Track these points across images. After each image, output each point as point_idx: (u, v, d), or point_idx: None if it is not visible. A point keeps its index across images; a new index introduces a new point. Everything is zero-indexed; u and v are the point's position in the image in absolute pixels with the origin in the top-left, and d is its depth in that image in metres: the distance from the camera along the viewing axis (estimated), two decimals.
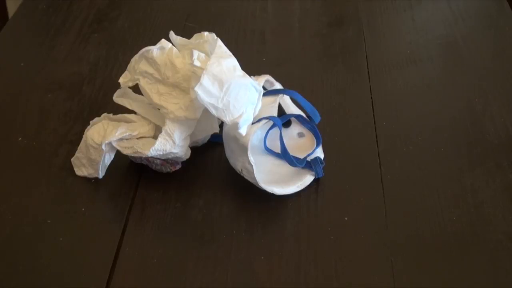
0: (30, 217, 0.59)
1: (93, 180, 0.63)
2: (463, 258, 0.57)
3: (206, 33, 0.60)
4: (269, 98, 0.66)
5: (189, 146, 0.62)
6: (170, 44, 0.61)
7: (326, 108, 0.71)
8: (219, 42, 0.59)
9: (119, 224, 0.59)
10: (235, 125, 0.56)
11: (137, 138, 0.61)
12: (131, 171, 0.64)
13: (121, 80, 0.62)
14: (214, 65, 0.55)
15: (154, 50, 0.59)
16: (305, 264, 0.56)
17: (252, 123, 0.59)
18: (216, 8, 0.91)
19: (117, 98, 0.63)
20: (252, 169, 0.57)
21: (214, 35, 0.60)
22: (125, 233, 0.58)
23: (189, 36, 0.62)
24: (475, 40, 0.84)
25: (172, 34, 0.61)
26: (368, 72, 0.78)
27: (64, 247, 0.57)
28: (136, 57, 0.60)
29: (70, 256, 0.56)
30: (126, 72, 0.62)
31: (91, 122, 0.62)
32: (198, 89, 0.54)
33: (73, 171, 0.63)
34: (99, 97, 0.74)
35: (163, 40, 0.61)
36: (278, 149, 0.63)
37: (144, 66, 0.60)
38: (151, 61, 0.59)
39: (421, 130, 0.70)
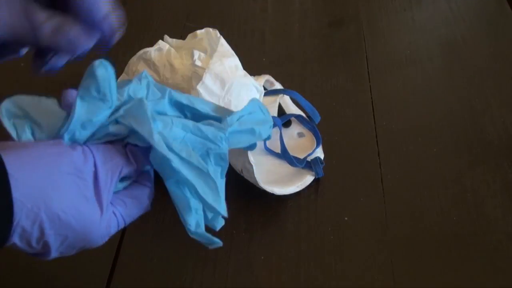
0: None
1: None
2: (463, 258, 0.57)
3: (210, 29, 0.60)
4: (269, 98, 0.66)
5: None
6: (168, 45, 0.61)
7: (326, 108, 0.71)
8: (222, 41, 0.58)
9: None
10: None
11: None
12: None
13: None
14: (216, 64, 0.55)
15: (152, 52, 0.59)
16: (305, 264, 0.56)
17: None
18: (216, 8, 0.91)
19: None
20: (252, 169, 0.57)
21: (217, 32, 0.60)
22: (125, 233, 0.58)
23: None
24: (475, 40, 0.84)
25: (166, 38, 0.61)
26: (368, 72, 0.78)
27: None
28: (133, 59, 0.60)
29: (70, 256, 0.56)
30: (123, 75, 0.62)
31: None
32: (200, 88, 0.54)
33: None
34: None
35: (160, 41, 0.61)
36: (278, 149, 0.63)
37: (142, 68, 0.60)
38: (149, 62, 0.59)
39: (421, 130, 0.70)
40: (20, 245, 0.34)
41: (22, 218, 0.32)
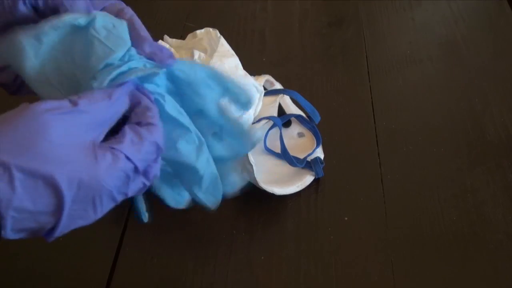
0: None
1: None
2: (463, 258, 0.57)
3: (210, 29, 0.60)
4: (269, 98, 0.66)
5: None
6: (168, 45, 0.61)
7: (326, 108, 0.71)
8: (222, 40, 0.58)
9: (119, 224, 0.59)
10: None
11: None
12: None
13: None
14: (217, 64, 0.55)
15: None
16: (305, 264, 0.56)
17: (252, 123, 0.59)
18: (216, 8, 0.91)
19: None
20: (252, 169, 0.57)
21: (217, 32, 0.60)
22: (125, 233, 0.58)
23: None
24: (475, 40, 0.84)
25: (166, 38, 0.61)
26: (368, 72, 0.78)
27: (64, 247, 0.57)
28: None
29: (70, 256, 0.56)
30: None
31: None
32: None
33: None
34: None
35: (160, 41, 0.61)
36: (278, 149, 0.63)
37: None
38: None
39: (421, 130, 0.70)
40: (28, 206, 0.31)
41: None
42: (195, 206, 0.61)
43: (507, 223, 0.60)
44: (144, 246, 0.57)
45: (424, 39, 0.84)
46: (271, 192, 0.59)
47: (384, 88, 0.76)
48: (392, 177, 0.64)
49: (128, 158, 0.35)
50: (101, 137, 0.35)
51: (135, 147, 0.35)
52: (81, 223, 0.34)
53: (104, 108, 0.35)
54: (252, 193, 0.61)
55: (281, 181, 0.61)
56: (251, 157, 0.57)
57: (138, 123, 0.36)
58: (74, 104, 0.33)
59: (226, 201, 0.61)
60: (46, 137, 0.32)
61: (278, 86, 0.71)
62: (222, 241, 0.58)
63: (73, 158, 0.33)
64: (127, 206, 0.61)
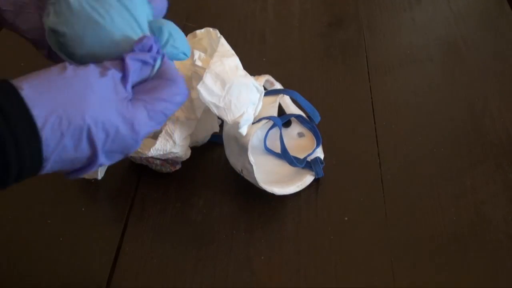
0: (30, 217, 0.59)
1: (93, 180, 0.63)
2: (463, 258, 0.57)
3: (210, 29, 0.60)
4: (269, 98, 0.66)
5: (189, 146, 0.62)
6: None
7: (326, 108, 0.71)
8: (222, 40, 0.58)
9: (119, 224, 0.59)
10: (236, 125, 0.56)
11: None
12: (131, 171, 0.64)
13: None
14: (217, 64, 0.55)
15: None
16: (305, 264, 0.56)
17: (252, 123, 0.59)
18: (216, 8, 0.91)
19: None
20: (252, 169, 0.57)
21: (217, 32, 0.60)
22: (125, 233, 0.58)
23: None
24: (475, 40, 0.84)
25: None
26: (368, 72, 0.78)
27: (64, 247, 0.57)
28: None
29: (70, 257, 0.56)
30: None
31: None
32: (200, 88, 0.54)
33: None
34: None
35: None
36: (278, 149, 0.63)
37: None
38: None
39: (421, 130, 0.70)
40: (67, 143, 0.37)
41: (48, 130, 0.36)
42: (195, 206, 0.61)
43: (507, 223, 0.60)
44: (144, 246, 0.57)
45: (424, 39, 0.84)
46: (271, 192, 0.59)
47: (384, 88, 0.76)
48: (392, 177, 0.64)
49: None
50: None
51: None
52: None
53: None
54: (252, 193, 0.61)
55: (281, 181, 0.61)
56: (251, 157, 0.57)
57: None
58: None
59: (226, 201, 0.62)
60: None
61: (278, 86, 0.71)
62: (222, 241, 0.58)
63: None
64: (127, 206, 0.61)
